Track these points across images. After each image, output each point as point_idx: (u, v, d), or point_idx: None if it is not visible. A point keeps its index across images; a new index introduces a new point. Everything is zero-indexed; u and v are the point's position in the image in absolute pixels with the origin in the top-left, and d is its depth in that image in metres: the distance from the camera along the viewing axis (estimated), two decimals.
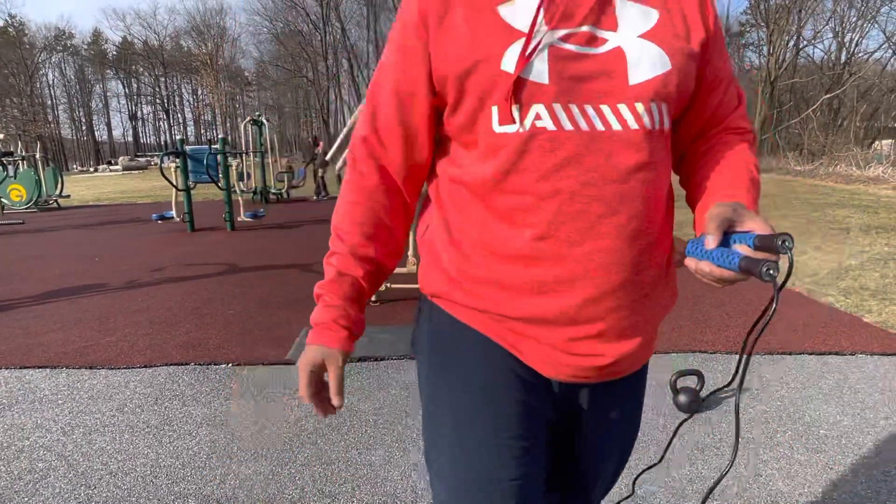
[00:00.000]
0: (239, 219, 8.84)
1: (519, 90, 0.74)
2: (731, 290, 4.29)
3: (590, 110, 0.75)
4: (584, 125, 0.75)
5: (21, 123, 42.14)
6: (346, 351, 0.85)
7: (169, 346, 3.33)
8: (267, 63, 43.62)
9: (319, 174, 12.51)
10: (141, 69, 52.95)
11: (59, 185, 12.58)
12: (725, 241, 0.71)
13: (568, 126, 0.75)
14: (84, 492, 1.94)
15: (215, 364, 3.04)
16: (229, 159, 9.19)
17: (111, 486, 1.96)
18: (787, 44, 32.26)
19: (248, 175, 11.83)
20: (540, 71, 0.74)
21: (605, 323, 0.79)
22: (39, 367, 3.04)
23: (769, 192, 11.25)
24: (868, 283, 4.33)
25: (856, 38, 32.89)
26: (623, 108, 0.76)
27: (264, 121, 12.36)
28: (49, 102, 50.47)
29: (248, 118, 12.37)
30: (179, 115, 54.62)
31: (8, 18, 48.45)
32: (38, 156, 12.32)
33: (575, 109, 0.75)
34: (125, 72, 52.55)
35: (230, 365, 3.02)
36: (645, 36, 0.79)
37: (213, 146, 8.35)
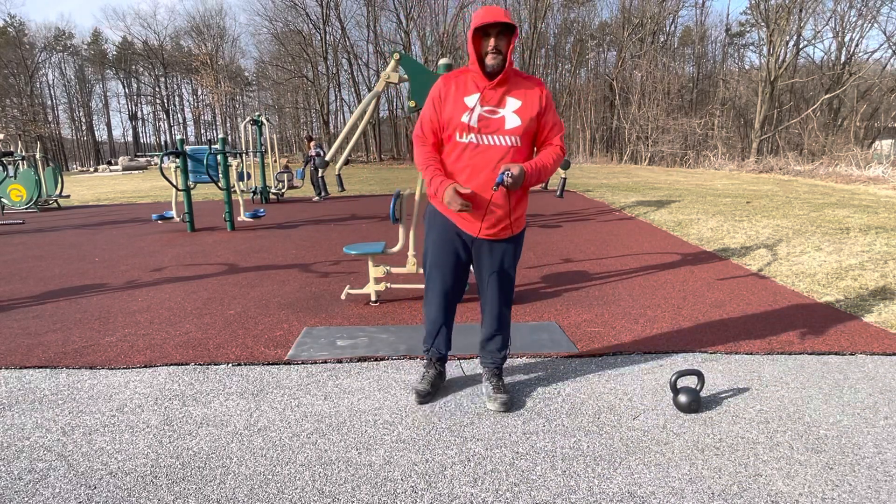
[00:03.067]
0: (239, 219, 8.84)
1: (466, 128, 2.29)
2: (731, 290, 4.29)
3: (489, 137, 2.28)
4: (485, 142, 2.29)
5: (21, 123, 42.08)
6: (452, 184, 2.27)
7: (169, 346, 3.33)
8: (267, 63, 43.56)
9: (319, 174, 12.44)
10: (141, 69, 52.80)
11: (59, 185, 12.56)
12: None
13: (481, 142, 2.29)
14: (84, 492, 1.94)
15: (215, 364, 3.03)
16: (229, 159, 9.18)
17: (111, 486, 1.96)
18: (787, 44, 32.28)
19: (248, 175, 11.82)
20: (475, 122, 2.28)
21: (483, 213, 2.32)
22: (39, 367, 3.04)
23: (770, 191, 11.24)
24: (868, 283, 4.33)
25: (856, 38, 32.95)
26: (502, 137, 2.28)
27: (264, 121, 12.34)
28: (49, 102, 50.31)
29: (248, 118, 12.36)
30: (179, 115, 54.41)
31: (8, 18, 48.46)
32: (38, 156, 12.27)
33: (483, 136, 2.28)
34: (125, 72, 52.41)
35: (230, 365, 3.02)
36: (514, 111, 2.28)
37: (213, 146, 8.33)
